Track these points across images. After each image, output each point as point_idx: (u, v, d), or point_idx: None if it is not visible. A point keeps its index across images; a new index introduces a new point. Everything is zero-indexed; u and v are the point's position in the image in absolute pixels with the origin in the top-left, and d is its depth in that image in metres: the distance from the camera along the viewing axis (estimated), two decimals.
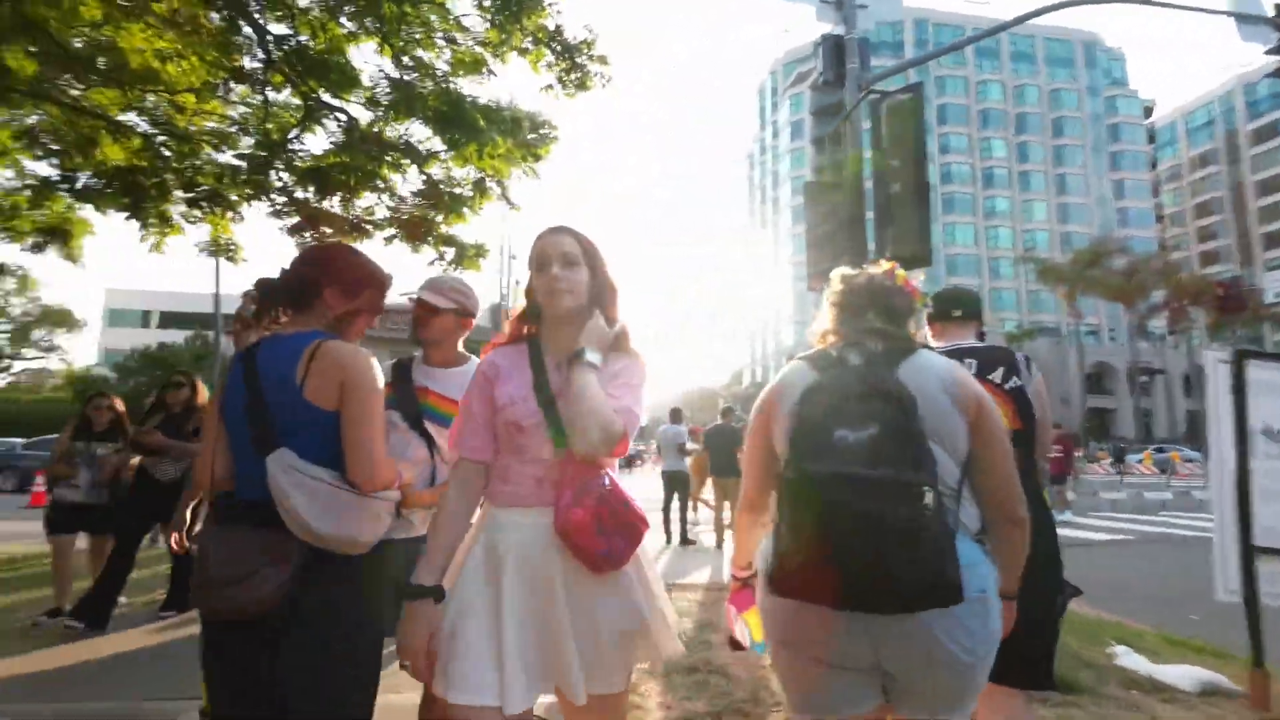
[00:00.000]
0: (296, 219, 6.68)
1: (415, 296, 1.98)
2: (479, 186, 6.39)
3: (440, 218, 6.95)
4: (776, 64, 74.48)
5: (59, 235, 7.12)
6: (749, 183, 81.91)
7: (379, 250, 7.31)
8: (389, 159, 6.65)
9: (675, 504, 8.00)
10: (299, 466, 1.32)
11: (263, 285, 1.53)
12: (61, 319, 43.06)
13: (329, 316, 1.52)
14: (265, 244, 7.64)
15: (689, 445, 7.96)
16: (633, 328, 1.45)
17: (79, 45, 5.67)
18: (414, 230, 7.18)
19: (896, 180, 6.25)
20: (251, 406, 1.37)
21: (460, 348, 2.07)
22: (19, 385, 40.79)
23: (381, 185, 7.06)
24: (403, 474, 1.56)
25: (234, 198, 6.10)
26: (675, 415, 8.40)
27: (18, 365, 42.12)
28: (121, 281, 65.05)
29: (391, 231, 7.38)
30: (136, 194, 5.84)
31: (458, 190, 6.86)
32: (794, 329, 62.67)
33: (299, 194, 6.65)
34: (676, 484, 7.90)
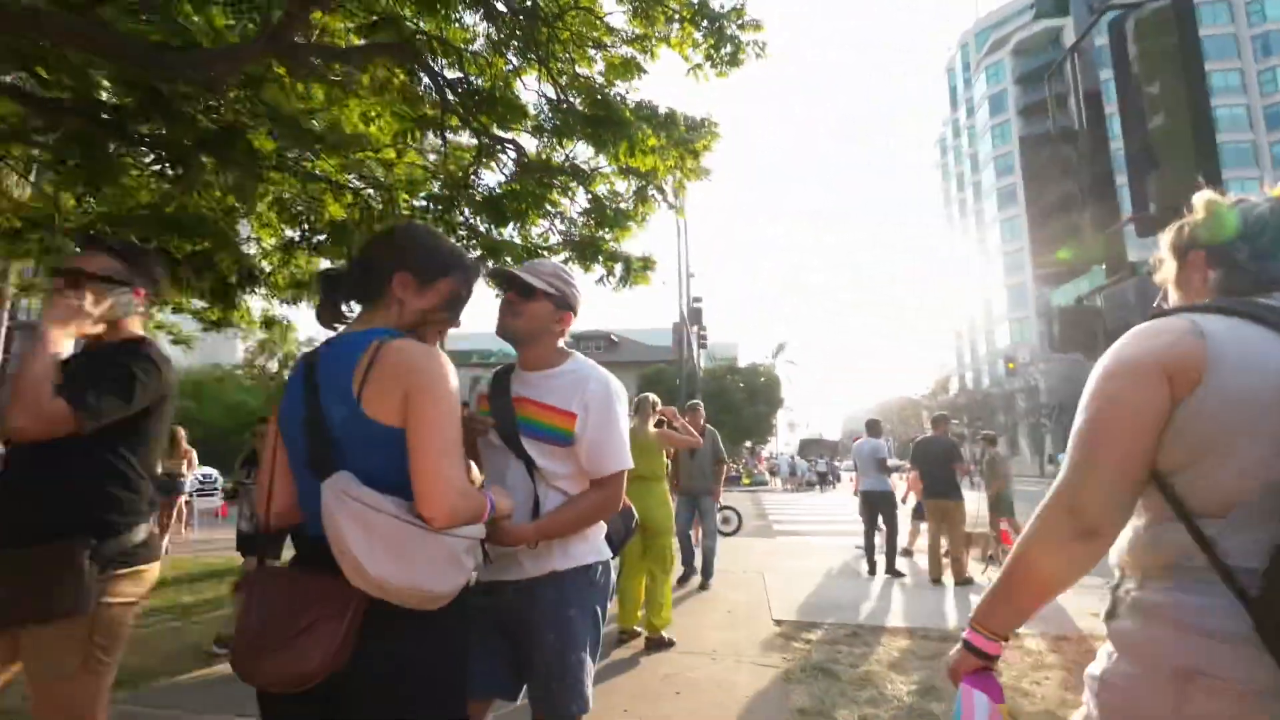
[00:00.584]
0: (479, 251, 7.10)
1: (508, 273, 1.66)
2: (640, 195, 6.24)
3: (608, 234, 6.93)
4: (966, 36, 66.99)
5: (305, 287, 8.39)
6: (942, 170, 74.25)
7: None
8: (557, 183, 6.80)
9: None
10: (356, 493, 1.04)
11: (325, 276, 1.33)
12: None
13: (402, 311, 1.26)
14: None
15: (890, 461, 6.91)
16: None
17: (315, 126, 6.61)
18: (584, 250, 7.27)
19: (1159, 110, 4.87)
20: (309, 421, 1.14)
21: (561, 345, 1.69)
22: None
23: (552, 210, 7.26)
24: (496, 503, 1.23)
25: None
26: (873, 428, 7.41)
27: None
28: None
29: (565, 255, 7.57)
30: (348, 243, 6.61)
31: (622, 205, 6.80)
32: (1010, 328, 54.80)
33: (480, 227, 7.08)
34: (879, 505, 6.92)
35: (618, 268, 7.26)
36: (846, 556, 7.96)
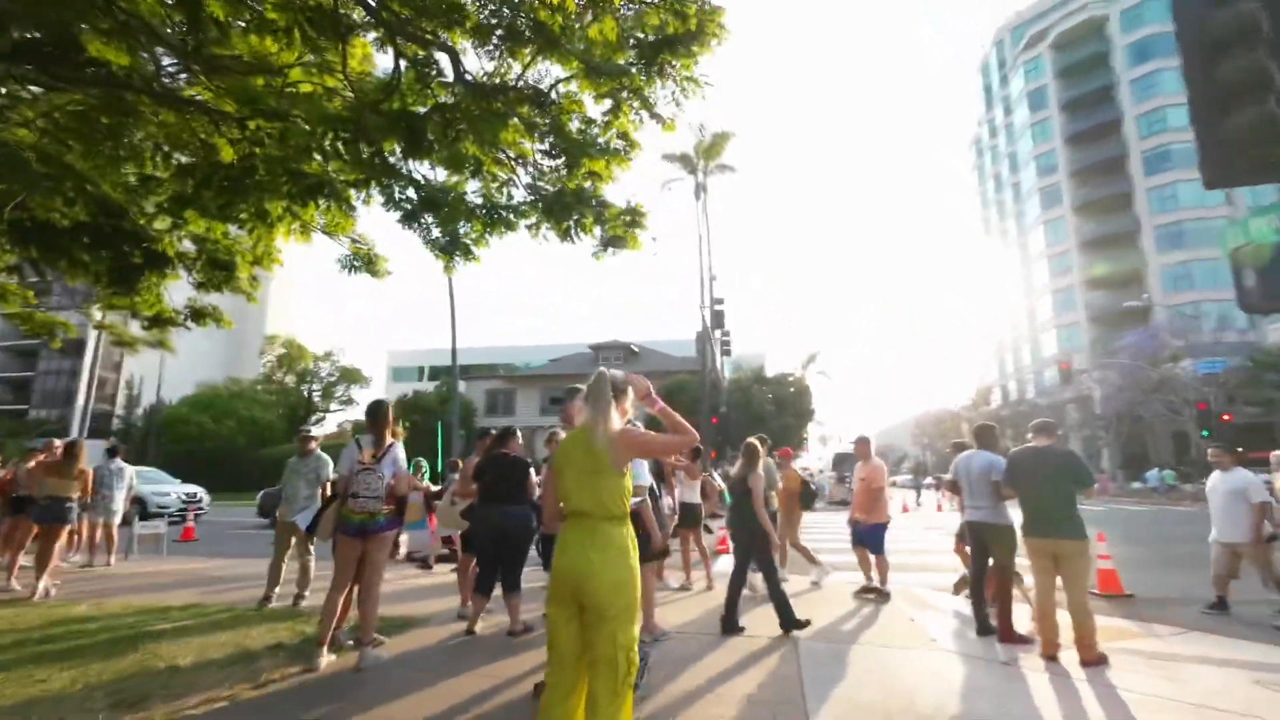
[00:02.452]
0: (408, 206, 5.45)
1: None
2: (615, 104, 4.54)
3: (578, 175, 5.22)
4: (1001, 32, 64.33)
5: (224, 270, 6.84)
6: (978, 172, 71.23)
7: (525, 244, 5.76)
8: (517, 117, 5.12)
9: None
10: None
11: None
12: (354, 377, 52.45)
13: None
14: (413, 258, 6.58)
15: (998, 480, 4.96)
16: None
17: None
18: (554, 207, 5.55)
19: None
20: None
21: None
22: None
23: (510, 157, 5.58)
24: None
25: (341, 184, 5.05)
26: (985, 436, 5.30)
27: (329, 416, 51.77)
28: (403, 344, 78.07)
29: (534, 219, 5.87)
30: (245, 198, 5.00)
31: (597, 135, 5.09)
32: (1057, 334, 51.45)
33: (415, 174, 5.44)
34: (991, 544, 5.00)
35: (595, 227, 5.53)
36: (907, 607, 6.00)
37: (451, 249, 5.89)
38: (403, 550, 8.71)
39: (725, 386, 28.91)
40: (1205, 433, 25.82)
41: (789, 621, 4.93)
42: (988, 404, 61.59)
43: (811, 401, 35.65)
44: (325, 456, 6.13)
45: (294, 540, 6.04)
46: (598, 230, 5.58)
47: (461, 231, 5.98)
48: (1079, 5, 53.83)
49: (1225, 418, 28.24)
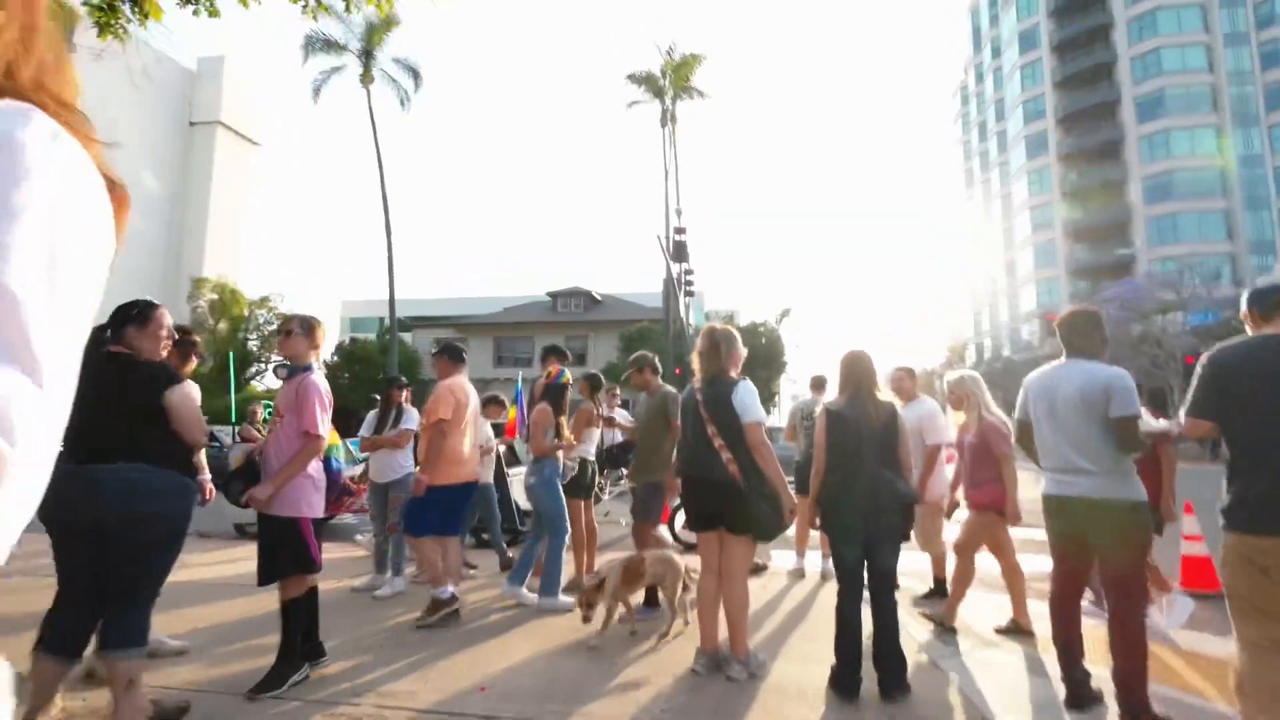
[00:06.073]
0: None
1: None
2: None
3: None
4: None
5: None
6: (962, 121, 68.51)
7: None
8: None
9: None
10: None
11: None
12: None
13: None
14: None
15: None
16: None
17: None
18: None
19: None
20: None
21: None
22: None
23: None
24: None
25: None
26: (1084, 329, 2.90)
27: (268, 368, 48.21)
28: (362, 294, 73.43)
29: None
30: None
31: None
32: (1036, 288, 49.90)
33: None
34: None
35: None
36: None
37: None
38: None
39: (690, 334, 26.44)
40: None
41: None
42: (962, 362, 60.50)
43: (784, 354, 33.49)
44: None
45: None
46: None
47: None
48: None
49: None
